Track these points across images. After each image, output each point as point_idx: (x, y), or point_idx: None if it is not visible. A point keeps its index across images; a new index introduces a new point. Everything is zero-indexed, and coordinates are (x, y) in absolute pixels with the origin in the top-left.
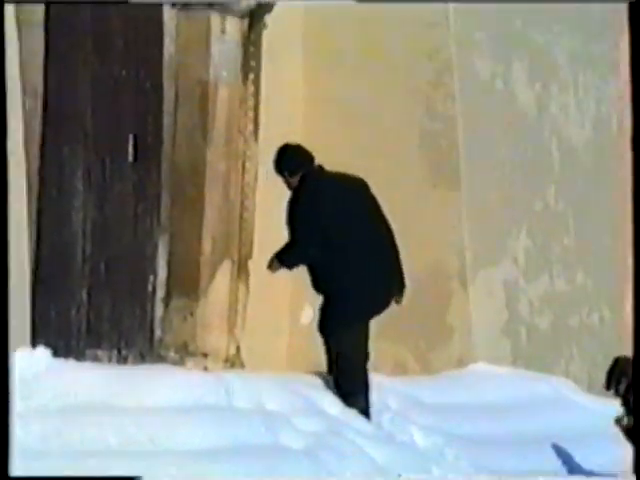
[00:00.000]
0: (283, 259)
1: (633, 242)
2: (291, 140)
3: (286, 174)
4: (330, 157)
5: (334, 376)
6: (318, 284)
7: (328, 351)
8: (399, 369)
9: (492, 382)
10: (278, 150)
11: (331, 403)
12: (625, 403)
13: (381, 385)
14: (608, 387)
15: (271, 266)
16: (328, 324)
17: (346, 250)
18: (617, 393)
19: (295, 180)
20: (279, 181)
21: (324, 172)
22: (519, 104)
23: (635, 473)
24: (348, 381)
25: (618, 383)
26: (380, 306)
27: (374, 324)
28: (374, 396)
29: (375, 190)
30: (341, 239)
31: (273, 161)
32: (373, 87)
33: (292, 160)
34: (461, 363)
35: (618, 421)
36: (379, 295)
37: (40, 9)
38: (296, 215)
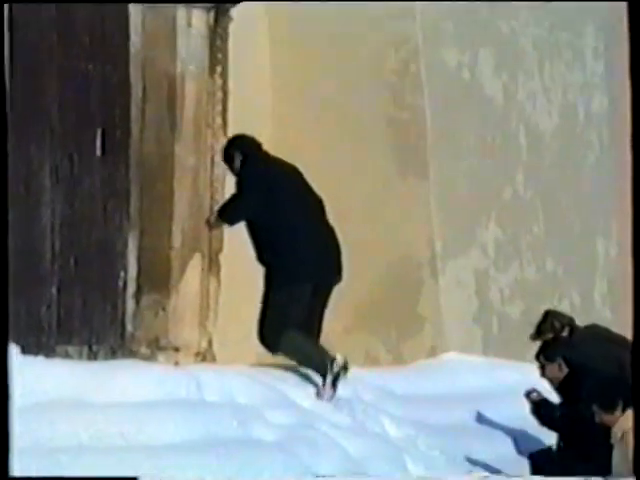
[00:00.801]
0: (223, 214)
1: (633, 242)
2: (260, 132)
3: (229, 160)
4: (298, 148)
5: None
6: (261, 252)
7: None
8: (371, 360)
9: (464, 371)
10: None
11: (303, 396)
12: (542, 355)
13: (353, 376)
14: (534, 338)
15: (209, 222)
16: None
17: (289, 216)
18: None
19: (238, 162)
20: None
21: (267, 154)
22: (486, 93)
23: (635, 473)
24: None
25: (541, 333)
26: (322, 279)
27: (345, 315)
28: (346, 388)
29: (343, 180)
30: (284, 204)
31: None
32: (340, 78)
33: (231, 145)
34: (433, 353)
35: (528, 395)
36: (321, 268)
37: (4, 5)
38: (241, 180)
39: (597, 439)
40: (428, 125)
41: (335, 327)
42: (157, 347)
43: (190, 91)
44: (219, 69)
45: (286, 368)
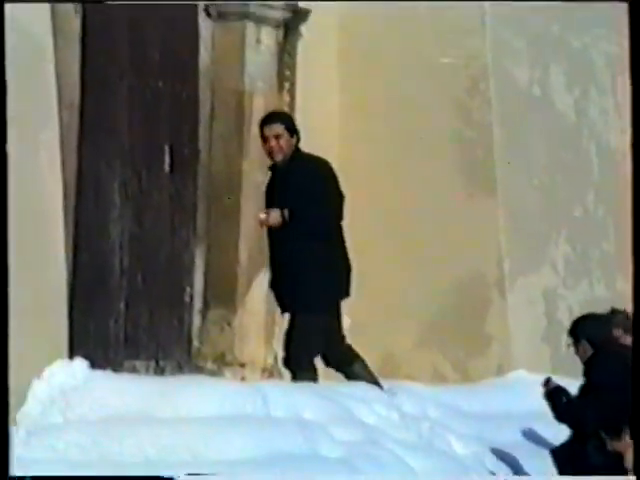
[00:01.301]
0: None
1: (633, 242)
2: (327, 149)
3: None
4: (365, 165)
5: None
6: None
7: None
8: (438, 378)
9: (532, 390)
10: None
11: (369, 412)
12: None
13: (420, 394)
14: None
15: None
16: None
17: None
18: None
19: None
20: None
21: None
22: (557, 110)
23: (635, 473)
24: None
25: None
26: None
27: (412, 332)
28: (413, 405)
29: (411, 198)
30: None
31: (273, 118)
32: (408, 95)
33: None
34: (500, 371)
35: (546, 383)
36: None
37: (77, 21)
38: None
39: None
40: (496, 142)
41: (402, 344)
42: (223, 362)
43: (258, 107)
44: (287, 85)
45: (351, 384)
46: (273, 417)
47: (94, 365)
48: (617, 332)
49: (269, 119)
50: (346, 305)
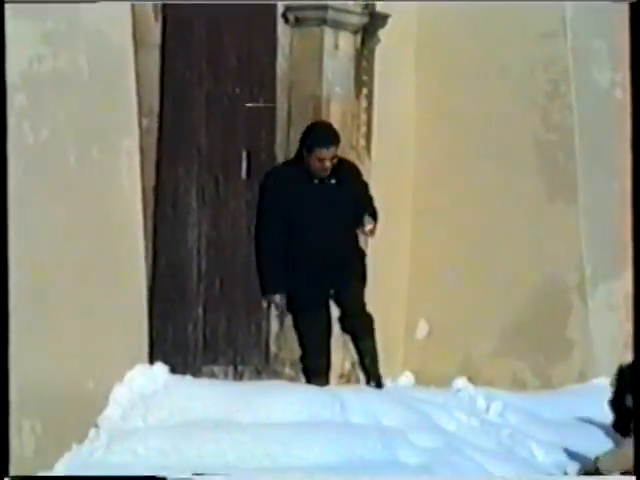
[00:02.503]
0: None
1: (633, 242)
2: (403, 156)
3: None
4: (443, 171)
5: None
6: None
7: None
8: (518, 384)
9: None
10: (325, 128)
11: (448, 419)
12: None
13: (500, 400)
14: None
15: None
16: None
17: None
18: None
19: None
20: (393, 196)
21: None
22: None
23: (635, 473)
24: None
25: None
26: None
27: (491, 338)
28: (493, 412)
29: (490, 204)
30: None
31: (332, 141)
32: (487, 100)
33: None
34: (582, 378)
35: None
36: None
37: (157, 28)
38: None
39: None
40: (577, 146)
41: (482, 349)
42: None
43: (335, 113)
44: (365, 91)
45: (430, 390)
46: (352, 423)
47: (173, 370)
48: None
49: (329, 141)
50: (423, 310)
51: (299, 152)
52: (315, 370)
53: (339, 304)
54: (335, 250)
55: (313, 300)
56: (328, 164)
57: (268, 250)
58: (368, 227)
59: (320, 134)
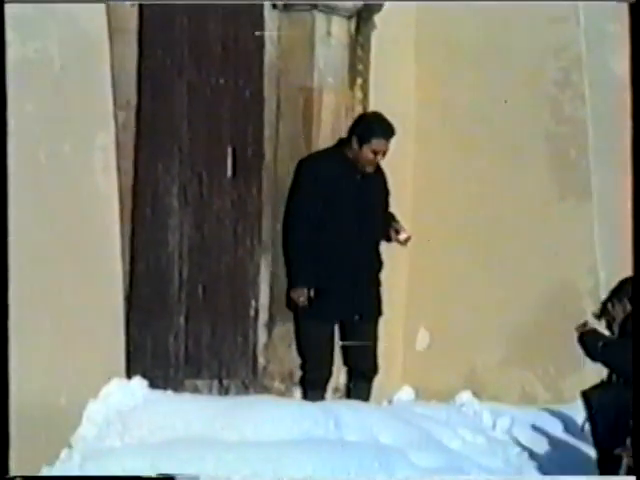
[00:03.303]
0: None
1: (633, 242)
2: (403, 150)
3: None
4: (445, 167)
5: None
6: None
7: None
8: (527, 398)
9: None
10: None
11: (451, 436)
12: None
13: (508, 416)
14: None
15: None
16: None
17: None
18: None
19: None
20: (391, 195)
21: None
22: None
23: (635, 473)
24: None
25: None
26: None
27: (498, 348)
28: (500, 428)
29: (495, 201)
30: None
31: (392, 132)
32: (493, 90)
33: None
34: None
35: (583, 326)
36: None
37: (133, 15)
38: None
39: None
40: (590, 140)
41: (487, 361)
42: (292, 382)
43: (328, 105)
44: (360, 81)
45: (432, 405)
46: (347, 441)
47: (153, 384)
48: None
49: (388, 132)
50: (424, 318)
51: (342, 142)
52: (315, 381)
53: (351, 333)
54: (367, 260)
55: (331, 312)
56: (380, 157)
57: (300, 241)
58: (403, 236)
59: (379, 124)
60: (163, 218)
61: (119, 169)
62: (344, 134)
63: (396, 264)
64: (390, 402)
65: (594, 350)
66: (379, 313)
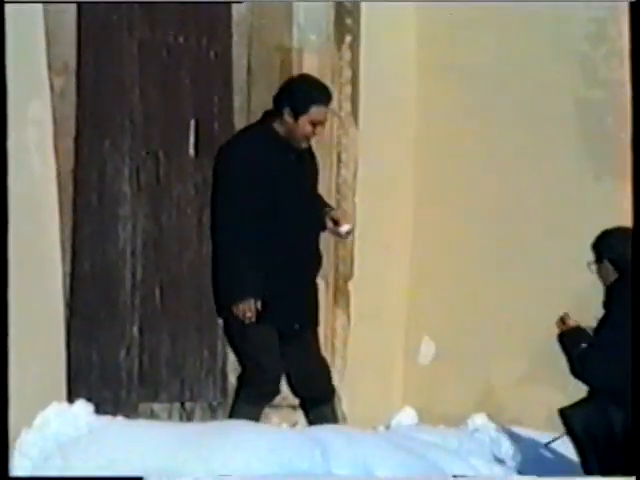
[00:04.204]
0: None
1: (633, 242)
2: (401, 121)
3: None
4: (452, 143)
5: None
6: None
7: None
8: (555, 422)
9: None
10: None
11: (463, 468)
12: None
13: (531, 443)
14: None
15: None
16: None
17: None
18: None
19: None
20: (388, 178)
21: None
22: None
23: (635, 473)
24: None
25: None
26: None
27: (522, 363)
28: (523, 457)
29: (515, 182)
30: None
31: (329, 97)
32: (511, 48)
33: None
34: None
35: (562, 321)
36: None
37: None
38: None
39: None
40: (629, 108)
41: (505, 377)
42: (269, 404)
43: (310, 69)
44: (348, 39)
45: (438, 430)
46: (336, 475)
47: (100, 409)
48: None
49: (327, 98)
50: (428, 326)
51: (267, 116)
52: (269, 394)
53: (289, 351)
54: (312, 258)
55: (275, 318)
56: (318, 130)
57: (239, 244)
58: (345, 228)
59: (317, 88)
60: (111, 207)
61: (57, 148)
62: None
63: (394, 263)
64: (388, 427)
65: (574, 355)
66: (317, 322)
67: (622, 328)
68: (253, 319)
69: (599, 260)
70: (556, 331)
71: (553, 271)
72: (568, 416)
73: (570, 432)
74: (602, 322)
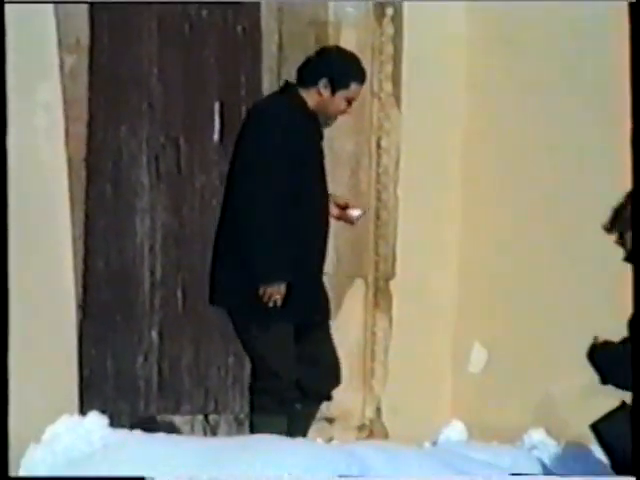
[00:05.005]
0: None
1: (633, 242)
2: (451, 102)
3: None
4: (508, 128)
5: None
6: None
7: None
8: None
9: None
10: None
11: None
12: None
13: (597, 462)
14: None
15: None
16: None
17: None
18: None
19: None
20: (434, 166)
21: None
22: None
23: (635, 473)
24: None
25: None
26: None
27: (582, 372)
28: (586, 472)
29: (579, 171)
30: None
31: (364, 71)
32: (561, 23)
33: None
34: None
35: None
36: None
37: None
38: None
39: None
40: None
41: (566, 387)
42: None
43: (348, 44)
44: (390, 12)
45: (491, 447)
46: None
47: (115, 422)
48: None
49: (364, 74)
50: (479, 331)
51: (293, 87)
52: (288, 400)
53: (305, 345)
54: (325, 246)
55: (297, 310)
56: (350, 109)
57: (273, 222)
58: (357, 212)
59: (357, 64)
60: (128, 198)
61: (68, 133)
62: (370, 83)
63: (442, 261)
64: (435, 443)
65: (607, 370)
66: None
67: None
68: (279, 304)
69: (624, 231)
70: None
71: (616, 269)
72: (601, 430)
73: (605, 447)
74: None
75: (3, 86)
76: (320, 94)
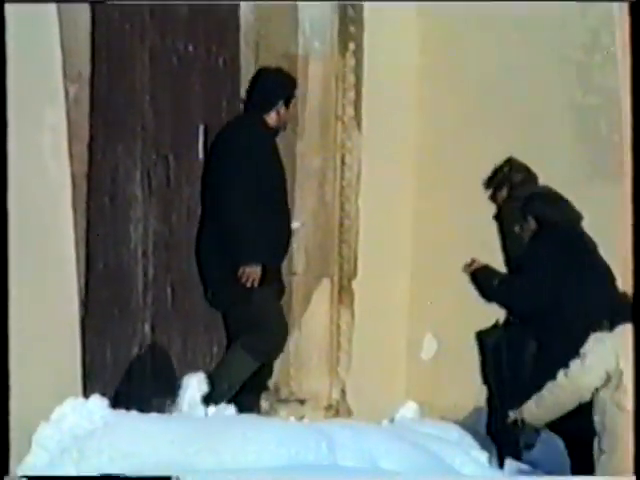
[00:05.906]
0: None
1: (633, 242)
2: (403, 125)
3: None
4: (454, 147)
5: None
6: None
7: None
8: None
9: None
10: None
11: (466, 460)
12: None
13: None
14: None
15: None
16: None
17: None
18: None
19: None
20: (390, 180)
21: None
22: None
23: (635, 473)
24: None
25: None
26: None
27: None
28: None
29: None
30: None
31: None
32: (509, 56)
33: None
34: None
35: (470, 264)
36: None
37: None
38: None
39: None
40: (624, 113)
41: None
42: (277, 399)
43: (315, 75)
44: (352, 46)
45: (441, 424)
46: (342, 466)
47: (114, 404)
48: None
49: (295, 87)
50: (430, 322)
51: (253, 108)
52: (271, 351)
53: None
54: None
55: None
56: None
57: (249, 215)
58: (296, 224)
59: (287, 79)
60: (124, 209)
61: (71, 152)
62: (334, 108)
63: (397, 262)
64: (392, 421)
65: (489, 289)
66: None
67: (542, 269)
68: (256, 284)
69: (524, 219)
70: None
71: None
72: (481, 338)
73: (481, 353)
74: (519, 263)
75: (3, 83)
76: (279, 112)
